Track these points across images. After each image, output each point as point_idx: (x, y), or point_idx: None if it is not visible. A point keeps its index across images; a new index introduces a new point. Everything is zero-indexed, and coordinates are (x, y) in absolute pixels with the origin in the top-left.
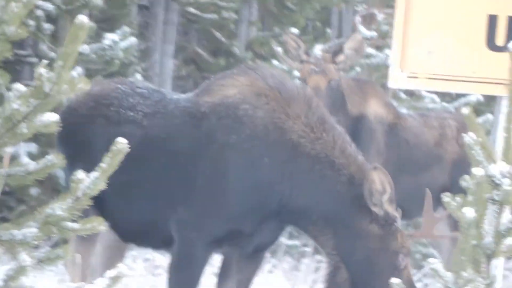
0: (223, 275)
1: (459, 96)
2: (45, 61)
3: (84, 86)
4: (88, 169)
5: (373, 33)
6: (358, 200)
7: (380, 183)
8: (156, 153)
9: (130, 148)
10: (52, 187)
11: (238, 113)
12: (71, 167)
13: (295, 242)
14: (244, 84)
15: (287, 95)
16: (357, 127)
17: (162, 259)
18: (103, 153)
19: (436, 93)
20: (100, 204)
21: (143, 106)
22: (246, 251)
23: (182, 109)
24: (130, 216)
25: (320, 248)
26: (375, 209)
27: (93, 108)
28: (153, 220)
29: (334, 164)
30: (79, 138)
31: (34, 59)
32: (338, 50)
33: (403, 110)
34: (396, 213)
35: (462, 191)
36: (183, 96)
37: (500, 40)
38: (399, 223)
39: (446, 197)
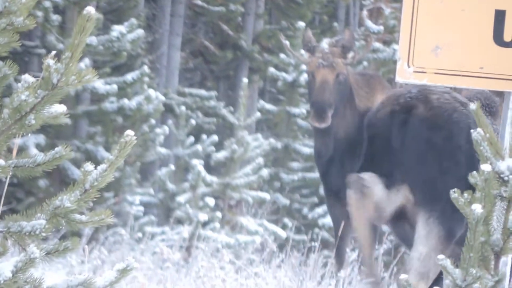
0: None
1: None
2: (53, 52)
3: (91, 77)
4: None
5: (380, 28)
6: None
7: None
8: None
9: None
10: (61, 179)
11: None
12: None
13: (303, 237)
14: None
15: None
16: (364, 121)
17: (169, 252)
18: None
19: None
20: None
21: None
22: None
23: None
24: None
25: None
26: None
27: None
28: None
29: None
30: None
31: (42, 50)
32: (348, 46)
33: None
34: None
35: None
36: None
37: (508, 35)
38: None
39: (453, 193)
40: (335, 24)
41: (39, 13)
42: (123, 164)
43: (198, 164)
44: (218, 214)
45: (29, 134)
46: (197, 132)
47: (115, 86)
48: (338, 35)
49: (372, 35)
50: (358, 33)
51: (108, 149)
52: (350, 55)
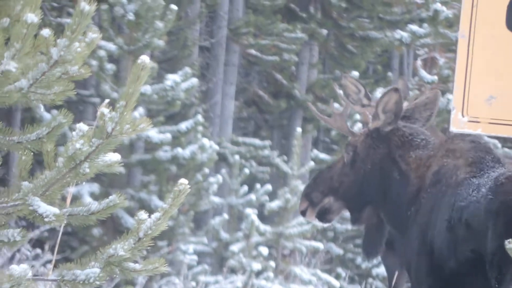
0: None
1: None
2: (106, 101)
3: (145, 126)
4: None
5: (434, 77)
6: None
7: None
8: None
9: None
10: (114, 228)
11: None
12: None
13: (357, 287)
14: None
15: None
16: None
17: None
18: None
19: (498, 138)
20: None
21: None
22: None
23: None
24: None
25: None
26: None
27: None
28: None
29: None
30: None
31: (96, 99)
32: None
33: None
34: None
35: None
36: None
37: None
38: None
39: (510, 243)
40: (389, 74)
41: (94, 62)
42: (176, 213)
43: (252, 213)
44: (272, 263)
45: (83, 183)
46: (250, 181)
47: (169, 135)
48: (392, 85)
49: (426, 85)
50: (412, 83)
51: (162, 198)
52: (405, 104)
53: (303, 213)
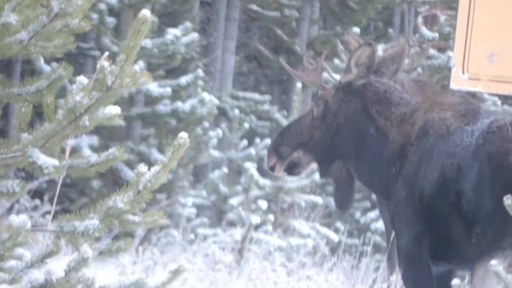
0: None
1: None
2: (106, 53)
3: (145, 80)
4: None
5: (435, 34)
6: None
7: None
8: None
9: None
10: (114, 180)
11: None
12: None
13: (355, 241)
14: None
15: None
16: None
17: (222, 255)
18: None
19: (498, 95)
20: None
21: None
22: None
23: None
24: None
25: None
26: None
27: None
28: None
29: None
30: None
31: (96, 52)
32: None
33: None
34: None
35: None
36: None
37: None
38: None
39: (508, 200)
40: (390, 30)
41: (94, 16)
42: (176, 166)
43: (251, 167)
44: (271, 217)
45: (83, 135)
46: (250, 136)
47: (169, 89)
48: (393, 41)
49: (427, 41)
50: (413, 40)
51: (161, 151)
52: (406, 61)
53: (272, 169)
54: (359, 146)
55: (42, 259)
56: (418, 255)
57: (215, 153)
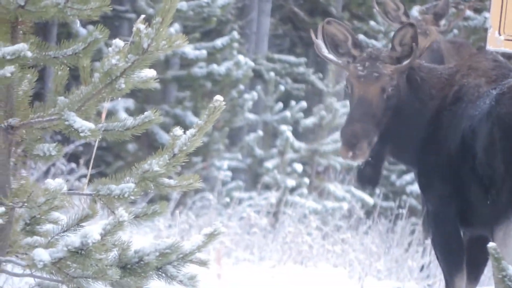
0: None
1: None
2: (142, 16)
3: (181, 43)
4: None
5: None
6: None
7: (340, 33)
8: None
9: None
10: (149, 143)
11: None
12: None
13: (391, 204)
14: None
15: None
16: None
17: (257, 218)
18: None
19: None
20: None
21: None
22: None
23: None
24: None
25: None
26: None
27: None
28: None
29: None
30: None
31: (132, 15)
32: (441, 14)
33: None
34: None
35: None
36: None
37: None
38: None
39: None
40: None
41: None
42: (211, 129)
43: (286, 130)
44: (306, 180)
45: (119, 98)
46: (285, 98)
47: (204, 52)
48: (430, 2)
49: (464, 2)
50: (450, 1)
51: (196, 114)
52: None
53: (356, 156)
54: (405, 122)
55: (78, 223)
56: (446, 217)
57: (251, 116)
